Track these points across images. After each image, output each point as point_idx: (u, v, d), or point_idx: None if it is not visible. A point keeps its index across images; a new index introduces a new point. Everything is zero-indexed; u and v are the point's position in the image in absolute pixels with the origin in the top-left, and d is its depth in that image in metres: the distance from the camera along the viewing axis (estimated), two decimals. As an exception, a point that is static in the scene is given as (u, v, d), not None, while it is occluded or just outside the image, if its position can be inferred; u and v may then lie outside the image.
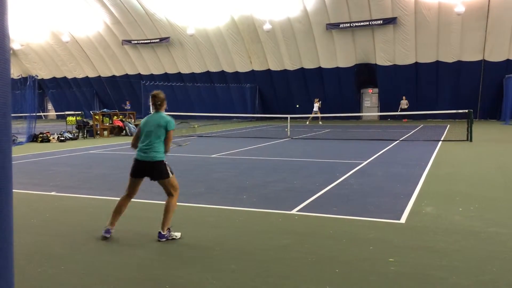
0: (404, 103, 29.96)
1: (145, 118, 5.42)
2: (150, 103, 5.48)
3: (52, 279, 4.11)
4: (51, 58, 43.81)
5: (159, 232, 5.16)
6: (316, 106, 29.66)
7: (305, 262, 4.44)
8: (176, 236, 5.21)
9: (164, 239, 5.13)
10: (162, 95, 5.39)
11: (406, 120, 30.57)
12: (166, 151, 5.31)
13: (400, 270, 4.20)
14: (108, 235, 5.26)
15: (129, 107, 35.21)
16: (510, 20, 27.29)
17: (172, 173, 5.30)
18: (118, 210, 5.36)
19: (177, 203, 7.02)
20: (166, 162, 5.29)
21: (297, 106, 32.64)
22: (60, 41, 41.12)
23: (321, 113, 29.39)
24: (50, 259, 4.63)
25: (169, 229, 5.21)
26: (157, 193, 7.86)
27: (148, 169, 5.20)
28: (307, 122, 30.11)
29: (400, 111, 29.46)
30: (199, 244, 5.07)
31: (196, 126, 28.73)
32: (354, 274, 4.14)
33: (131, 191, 5.39)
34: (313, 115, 29.31)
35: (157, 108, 5.36)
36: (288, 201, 7.05)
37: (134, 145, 5.39)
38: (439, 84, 31.10)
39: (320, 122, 30.49)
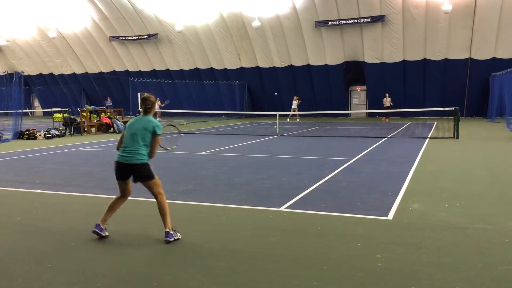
0: (387, 101, 28.53)
1: (132, 120, 5.28)
2: (140, 107, 5.29)
3: (38, 278, 4.07)
4: (37, 54, 43.28)
5: (167, 232, 5.00)
6: (294, 103, 29.73)
7: (293, 259, 4.46)
8: (179, 237, 5.06)
9: (172, 239, 4.97)
10: (152, 98, 5.22)
11: (388, 119, 29.30)
12: (151, 156, 5.14)
13: (387, 266, 4.23)
14: (99, 231, 5.13)
15: (110, 103, 35.18)
16: (497, 18, 27.60)
17: (156, 176, 5.16)
18: (111, 208, 5.26)
19: (167, 200, 7.03)
20: (149, 164, 5.14)
21: (275, 94, 32.13)
22: (47, 37, 40.65)
23: (310, 110, 29.58)
24: (36, 257, 4.59)
25: (173, 229, 5.07)
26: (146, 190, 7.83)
27: (132, 171, 5.07)
28: (288, 119, 30.20)
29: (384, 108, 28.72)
30: (188, 242, 5.05)
31: (184, 123, 28.64)
32: (342, 270, 4.16)
33: (123, 192, 5.27)
34: (292, 112, 29.32)
35: (146, 112, 5.19)
36: (276, 198, 7.06)
37: (118, 147, 5.22)
38: (426, 82, 31.35)
39: (298, 119, 30.63)
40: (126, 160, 5.04)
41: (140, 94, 27.37)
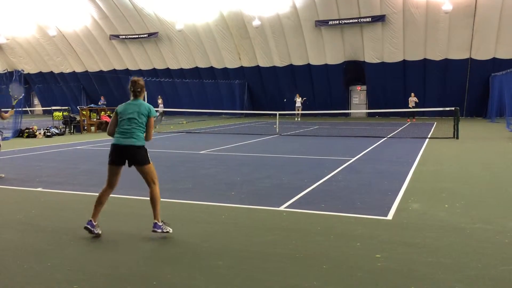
0: (412, 101, 26.92)
1: (123, 105, 5.28)
2: (129, 90, 5.30)
3: (37, 276, 4.07)
4: (37, 53, 43.25)
5: (155, 223, 5.08)
6: (298, 101, 29.68)
7: (292, 258, 4.45)
8: (169, 231, 5.12)
9: (159, 230, 5.06)
10: (142, 82, 5.30)
11: (414, 120, 27.90)
12: (148, 139, 5.22)
13: (386, 266, 4.23)
14: (92, 228, 5.09)
15: (104, 102, 34.91)
16: (497, 18, 27.59)
17: (150, 161, 5.19)
18: (99, 201, 5.23)
19: (166, 199, 7.01)
20: (146, 148, 5.20)
21: (285, 100, 32.08)
22: (47, 35, 40.62)
23: (309, 109, 29.55)
24: (36, 256, 4.58)
25: (163, 221, 5.14)
26: (145, 189, 7.82)
27: (128, 154, 5.07)
28: (297, 119, 30.27)
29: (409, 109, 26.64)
30: (186, 240, 5.05)
31: (184, 122, 28.63)
32: (341, 270, 4.16)
33: (112, 181, 5.22)
34: (297, 111, 29.28)
35: (136, 95, 5.26)
36: (276, 198, 7.06)
37: (112, 132, 5.23)
38: (426, 82, 31.36)
39: (299, 119, 30.64)
40: (123, 142, 5.06)
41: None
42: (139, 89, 5.25)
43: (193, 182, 8.51)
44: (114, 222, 5.80)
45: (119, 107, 5.29)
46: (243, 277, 4.02)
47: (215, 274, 4.09)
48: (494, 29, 28.02)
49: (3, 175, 9.23)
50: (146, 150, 5.17)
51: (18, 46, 43.34)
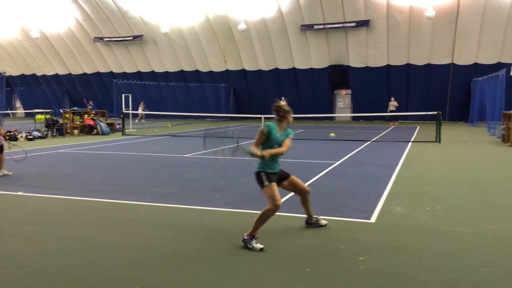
0: (392, 105, 28.18)
1: None
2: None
3: (18, 281, 4.01)
4: (19, 55, 42.64)
5: (243, 236, 4.97)
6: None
7: (276, 261, 4.47)
8: (255, 248, 4.81)
9: (242, 243, 4.91)
10: (285, 107, 5.45)
11: (397, 123, 29.07)
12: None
13: (369, 268, 4.27)
14: (314, 222, 5.64)
15: (91, 107, 34.49)
16: (478, 24, 28.10)
17: (266, 184, 5.30)
18: (305, 206, 5.71)
19: (150, 203, 6.96)
20: (262, 173, 5.43)
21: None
22: (30, 37, 40.09)
23: (295, 113, 29.57)
24: (16, 261, 4.51)
25: (253, 236, 4.91)
26: (130, 192, 7.76)
27: None
28: None
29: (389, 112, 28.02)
30: (171, 244, 5.03)
31: (169, 125, 28.50)
32: (325, 273, 4.18)
33: (296, 193, 5.92)
34: None
35: (279, 120, 5.50)
36: (260, 201, 7.03)
37: None
38: (409, 86, 31.76)
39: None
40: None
41: (125, 96, 27.09)
42: (282, 113, 5.42)
43: (178, 185, 8.47)
44: (106, 227, 5.74)
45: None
46: (228, 281, 4.02)
47: (201, 278, 4.07)
48: (476, 35, 28.53)
49: (10, 173, 9.83)
50: (258, 175, 5.44)
51: (0, 48, 42.68)
